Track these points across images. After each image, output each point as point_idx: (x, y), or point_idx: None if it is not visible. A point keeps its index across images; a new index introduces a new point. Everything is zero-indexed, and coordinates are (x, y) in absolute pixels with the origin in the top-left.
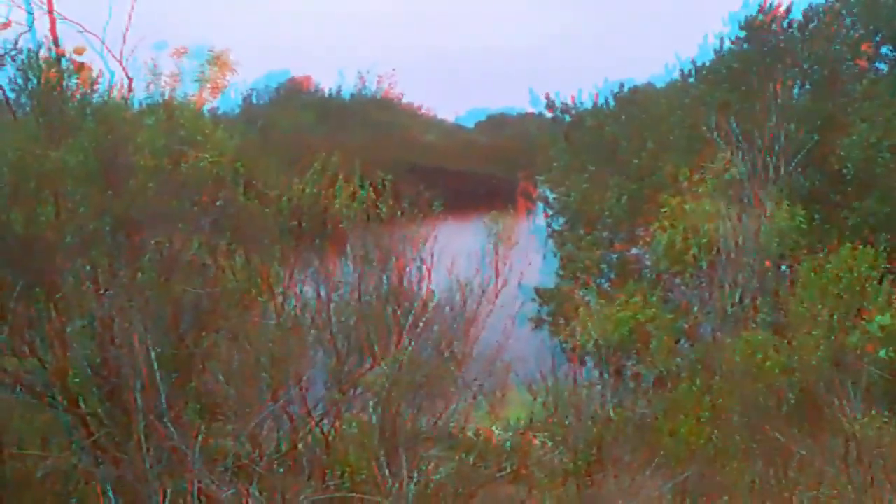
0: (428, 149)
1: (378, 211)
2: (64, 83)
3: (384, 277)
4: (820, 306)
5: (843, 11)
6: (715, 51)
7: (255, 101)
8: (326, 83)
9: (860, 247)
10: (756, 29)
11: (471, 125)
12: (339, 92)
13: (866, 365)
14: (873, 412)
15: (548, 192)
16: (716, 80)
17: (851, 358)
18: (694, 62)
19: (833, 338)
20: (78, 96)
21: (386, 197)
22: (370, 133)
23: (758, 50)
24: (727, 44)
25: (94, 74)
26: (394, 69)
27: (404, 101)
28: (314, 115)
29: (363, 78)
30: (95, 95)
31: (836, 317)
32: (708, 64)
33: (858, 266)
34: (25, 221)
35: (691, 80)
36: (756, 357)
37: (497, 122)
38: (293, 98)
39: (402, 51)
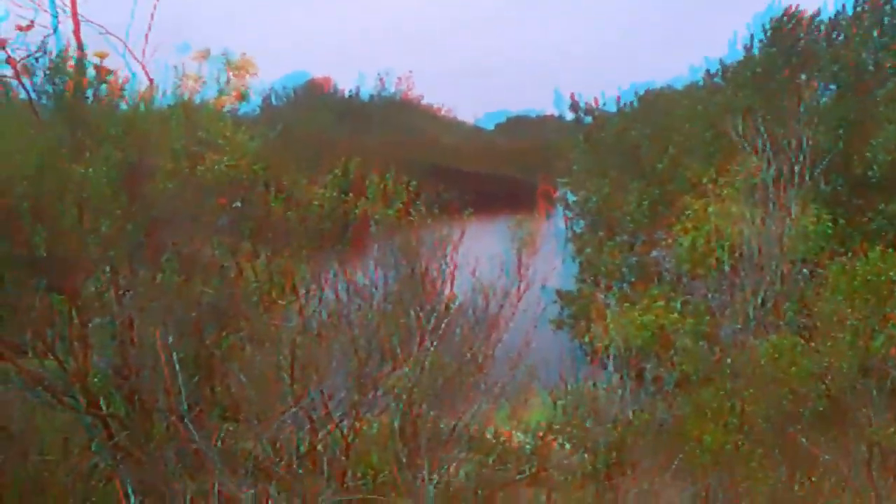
0: (447, 150)
1: (409, 215)
2: (90, 89)
3: (408, 280)
4: (849, 310)
5: (881, 15)
6: (745, 47)
7: (274, 101)
8: (346, 85)
9: (889, 250)
10: (781, 32)
11: (490, 127)
12: (358, 93)
13: (891, 369)
14: None
15: (568, 195)
16: (740, 83)
17: (876, 362)
18: (719, 64)
19: (859, 342)
20: (105, 103)
21: (417, 201)
22: (390, 134)
23: (783, 53)
24: (755, 45)
25: (121, 80)
26: (410, 71)
27: (424, 102)
28: (334, 117)
29: (382, 79)
30: (122, 103)
31: (863, 321)
32: (733, 66)
33: (887, 270)
34: (49, 227)
35: (717, 79)
36: (782, 361)
37: (517, 125)
38: (312, 99)
39: (422, 53)
